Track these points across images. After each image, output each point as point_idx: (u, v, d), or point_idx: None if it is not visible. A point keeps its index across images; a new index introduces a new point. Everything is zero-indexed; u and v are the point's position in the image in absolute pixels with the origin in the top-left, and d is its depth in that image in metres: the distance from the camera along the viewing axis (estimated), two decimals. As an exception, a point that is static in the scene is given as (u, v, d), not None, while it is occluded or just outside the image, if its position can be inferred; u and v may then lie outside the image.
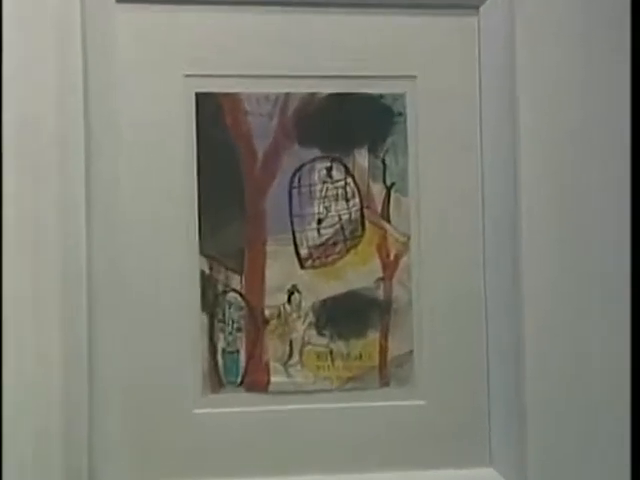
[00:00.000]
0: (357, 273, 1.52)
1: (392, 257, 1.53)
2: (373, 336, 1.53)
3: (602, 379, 1.49)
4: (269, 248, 1.51)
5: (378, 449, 1.52)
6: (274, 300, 1.51)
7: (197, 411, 1.49)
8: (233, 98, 1.51)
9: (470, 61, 1.55)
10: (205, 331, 1.50)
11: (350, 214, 1.53)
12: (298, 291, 1.51)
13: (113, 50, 1.47)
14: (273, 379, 1.51)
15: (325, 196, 1.52)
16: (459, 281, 1.54)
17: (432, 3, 1.52)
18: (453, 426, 1.54)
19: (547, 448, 1.50)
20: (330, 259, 1.52)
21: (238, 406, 1.50)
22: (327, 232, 1.52)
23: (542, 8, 1.50)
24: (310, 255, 1.52)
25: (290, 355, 1.51)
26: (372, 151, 1.53)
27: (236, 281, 1.50)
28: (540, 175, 1.51)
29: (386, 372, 1.53)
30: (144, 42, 1.48)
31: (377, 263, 1.53)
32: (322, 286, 1.52)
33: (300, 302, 1.51)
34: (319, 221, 1.52)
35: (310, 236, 1.52)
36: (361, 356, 1.52)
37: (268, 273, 1.50)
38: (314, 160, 1.52)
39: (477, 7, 1.54)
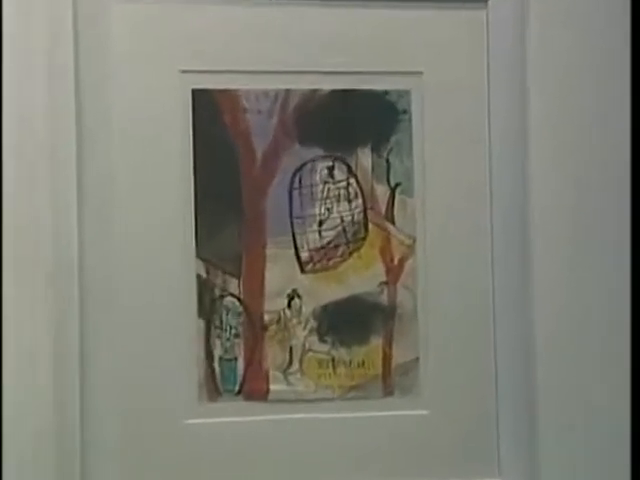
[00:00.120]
0: (360, 277, 1.51)
1: (396, 261, 1.52)
2: (376, 343, 1.51)
3: (616, 387, 1.48)
4: (268, 251, 1.49)
5: (381, 461, 1.51)
6: (273, 305, 1.49)
7: (191, 421, 1.48)
8: (231, 95, 1.49)
9: (478, 56, 1.53)
10: (201, 337, 1.48)
11: (353, 216, 1.52)
12: (298, 296, 1.50)
13: (106, 44, 1.46)
14: (272, 387, 1.50)
15: (327, 197, 1.51)
16: (466, 285, 1.52)
17: (438, -4, 1.52)
18: (460, 437, 1.52)
19: (559, 459, 1.49)
20: (332, 263, 1.51)
21: (235, 416, 1.48)
22: (329, 234, 1.51)
23: (553, 1, 1.50)
24: (311, 258, 1.50)
25: (290, 362, 1.50)
26: (376, 150, 1.52)
27: (234, 285, 1.49)
28: (551, 176, 1.50)
29: (390, 381, 1.52)
30: (138, 36, 1.47)
31: (381, 267, 1.52)
32: (323, 291, 1.50)
33: (301, 307, 1.50)
34: (320, 223, 1.51)
35: (311, 239, 1.50)
36: (364, 364, 1.51)
37: (267, 277, 1.49)
38: (315, 159, 1.51)
39: (486, 0, 1.52)
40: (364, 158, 1.51)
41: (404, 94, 1.52)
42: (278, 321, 1.50)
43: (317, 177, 1.51)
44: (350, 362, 1.51)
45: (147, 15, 1.47)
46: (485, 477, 1.52)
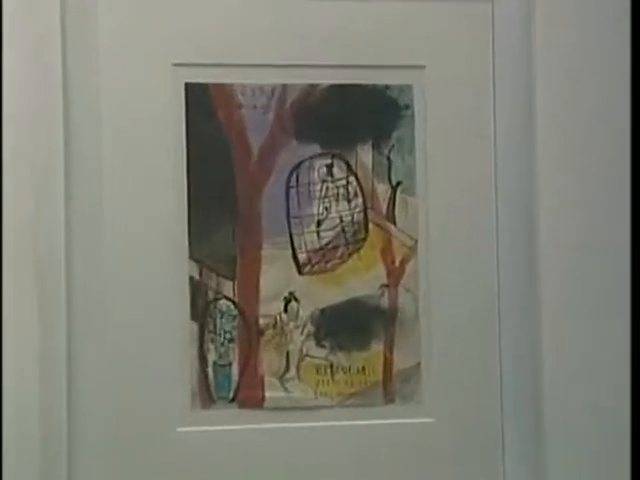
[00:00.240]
0: (360, 279, 1.50)
1: (398, 262, 1.51)
2: (377, 348, 1.51)
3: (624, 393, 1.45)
4: (264, 252, 1.49)
5: (382, 471, 1.50)
6: (269, 309, 1.49)
7: (183, 429, 1.47)
8: (226, 89, 1.48)
9: (483, 49, 1.53)
10: (194, 342, 1.48)
11: (352, 215, 1.51)
12: (296, 299, 1.49)
13: (95, 36, 1.45)
14: (268, 394, 1.49)
15: (325, 196, 1.50)
16: (470, 288, 1.52)
17: (442, -12, 1.52)
18: (463, 445, 1.52)
19: (566, 469, 1.50)
20: (330, 264, 1.50)
21: (230, 424, 1.48)
22: (327, 235, 1.50)
23: (560, -5, 1.51)
24: (309, 260, 1.50)
25: (287, 368, 1.49)
26: (376, 147, 1.51)
27: (228, 288, 1.48)
28: (559, 173, 1.51)
29: (391, 387, 1.51)
30: (129, 28, 1.46)
31: (381, 269, 1.51)
32: (322, 294, 1.50)
33: (298, 311, 1.49)
34: (319, 223, 1.50)
35: (309, 239, 1.50)
36: (364, 370, 1.50)
37: (263, 279, 1.49)
38: (313, 157, 1.50)
39: (491, -8, 1.53)
40: (364, 155, 1.51)
41: (406, 89, 1.51)
42: (274, 325, 1.49)
43: (315, 175, 1.50)
44: (349, 368, 1.50)
45: (138, 6, 1.47)
46: (490, 487, 1.52)
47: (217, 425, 1.47)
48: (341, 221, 1.50)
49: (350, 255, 1.50)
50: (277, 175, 1.49)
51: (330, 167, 1.50)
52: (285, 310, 1.49)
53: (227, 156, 1.48)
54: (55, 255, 1.43)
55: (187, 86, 1.47)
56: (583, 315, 1.50)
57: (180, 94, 1.47)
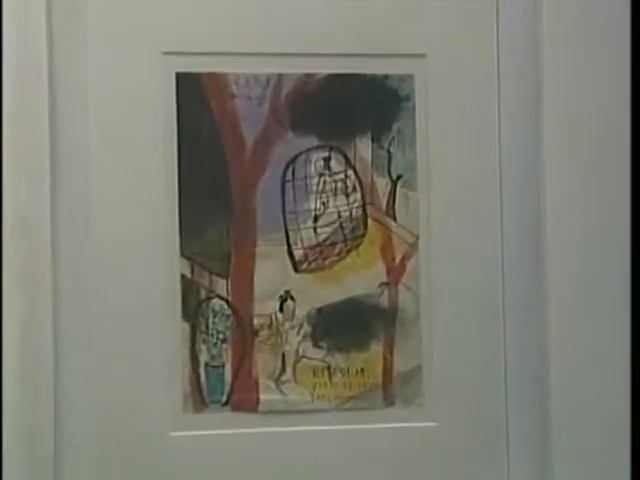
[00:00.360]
0: (358, 277, 1.50)
1: (398, 260, 1.51)
2: (376, 349, 1.50)
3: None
4: (259, 249, 1.48)
5: (382, 477, 1.49)
6: (264, 308, 1.48)
7: (175, 434, 1.46)
8: (218, 79, 1.48)
9: (488, 38, 1.52)
10: (186, 343, 1.47)
11: (351, 211, 1.50)
12: (292, 298, 1.48)
13: (82, 24, 1.44)
14: (263, 397, 1.48)
15: (322, 190, 1.49)
16: (474, 287, 1.51)
17: (445, -27, 1.51)
18: (467, 450, 1.51)
19: (573, 474, 1.49)
20: (328, 262, 1.49)
21: (223, 428, 1.47)
22: (325, 231, 1.49)
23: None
24: (305, 257, 1.49)
25: (282, 370, 1.48)
26: (376, 140, 1.50)
27: (221, 286, 1.47)
28: (566, 167, 1.50)
29: (391, 390, 1.50)
30: (117, 15, 1.45)
31: (381, 266, 1.50)
32: (319, 292, 1.49)
33: (294, 310, 1.48)
34: (315, 219, 1.49)
35: (305, 236, 1.49)
36: (363, 372, 1.50)
37: (258, 277, 1.48)
38: (310, 150, 1.49)
39: (496, -23, 1.53)
40: (363, 148, 1.50)
41: (407, 79, 1.51)
42: (269, 325, 1.48)
43: (312, 169, 1.49)
44: (348, 370, 1.50)
45: (127, -7, 1.46)
46: (493, 494, 1.52)
47: (209, 429, 1.46)
48: (339, 217, 1.49)
49: (348, 252, 1.49)
50: (272, 169, 1.48)
51: (327, 160, 1.49)
52: (281, 309, 1.48)
53: (220, 149, 1.47)
54: (41, 252, 1.42)
55: (178, 76, 1.46)
56: (590, 314, 1.50)
57: (171, 84, 1.46)
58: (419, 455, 1.49)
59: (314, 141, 1.48)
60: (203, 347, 1.46)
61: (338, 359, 1.49)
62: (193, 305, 1.46)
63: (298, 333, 1.48)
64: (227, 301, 1.47)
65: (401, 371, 1.50)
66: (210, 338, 1.46)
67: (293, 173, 1.48)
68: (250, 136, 1.47)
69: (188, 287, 1.46)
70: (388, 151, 1.50)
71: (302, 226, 1.48)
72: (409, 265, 1.50)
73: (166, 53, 1.45)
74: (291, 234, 1.48)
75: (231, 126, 1.47)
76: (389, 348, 1.50)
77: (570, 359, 1.48)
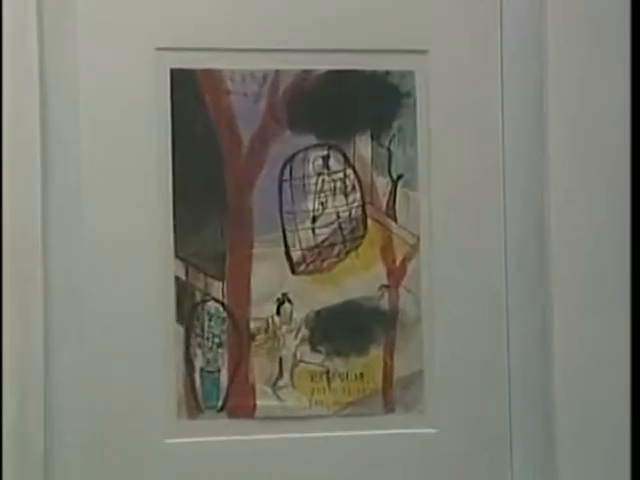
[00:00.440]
0: (358, 280, 1.49)
1: (398, 261, 1.50)
2: (376, 353, 1.50)
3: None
4: (255, 250, 1.48)
5: None
6: (261, 311, 1.48)
7: (169, 441, 1.46)
8: (214, 75, 1.47)
9: (491, 34, 1.52)
10: (180, 347, 1.46)
11: (350, 211, 1.50)
12: (289, 300, 1.48)
13: (73, 19, 1.43)
14: (260, 403, 1.48)
15: (321, 190, 1.49)
16: (477, 289, 1.51)
17: (447, -34, 1.52)
18: (469, 458, 1.51)
19: None
20: (326, 263, 1.49)
21: (219, 435, 1.47)
22: (323, 232, 1.49)
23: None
24: (303, 259, 1.49)
25: (280, 375, 1.48)
26: (376, 138, 1.50)
27: (217, 288, 1.47)
28: (570, 166, 1.50)
29: (391, 395, 1.50)
30: (108, 9, 1.45)
31: (381, 268, 1.50)
32: (317, 295, 1.49)
33: (291, 313, 1.48)
34: (314, 219, 1.49)
35: (303, 237, 1.49)
36: (362, 377, 1.50)
37: (254, 280, 1.48)
38: (308, 148, 1.49)
39: (500, -29, 1.53)
40: (363, 147, 1.50)
41: (408, 75, 1.51)
42: (266, 329, 1.48)
43: (310, 168, 1.49)
44: (347, 375, 1.49)
45: (119, -14, 1.46)
46: (497, 502, 1.52)
47: (204, 436, 1.46)
48: (338, 217, 1.49)
49: (347, 253, 1.49)
50: (269, 168, 1.48)
51: (326, 159, 1.49)
52: (278, 312, 1.48)
53: (215, 147, 1.47)
54: (31, 253, 1.41)
55: (172, 72, 1.46)
56: (595, 317, 1.49)
57: (165, 81, 1.46)
58: (420, 463, 1.49)
59: (312, 139, 1.48)
60: (198, 351, 1.46)
61: (337, 364, 1.49)
62: (188, 308, 1.46)
63: (296, 337, 1.48)
64: (223, 304, 1.46)
65: (402, 376, 1.50)
66: (205, 342, 1.46)
67: (291, 172, 1.48)
68: (246, 134, 1.47)
69: (182, 289, 1.46)
70: (388, 149, 1.50)
71: (300, 227, 1.48)
72: (410, 267, 1.50)
73: (160, 49, 1.45)
74: (289, 235, 1.48)
75: (227, 124, 1.46)
76: (389, 352, 1.49)
77: (575, 363, 1.48)
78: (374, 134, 1.49)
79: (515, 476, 1.50)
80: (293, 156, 1.48)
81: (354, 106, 1.49)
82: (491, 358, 1.50)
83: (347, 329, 1.49)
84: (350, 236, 1.49)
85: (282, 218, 1.47)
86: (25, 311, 1.40)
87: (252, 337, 1.47)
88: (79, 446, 1.42)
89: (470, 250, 1.50)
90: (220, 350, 1.46)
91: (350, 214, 1.49)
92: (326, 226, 1.48)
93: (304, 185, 1.48)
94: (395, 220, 1.50)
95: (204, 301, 1.46)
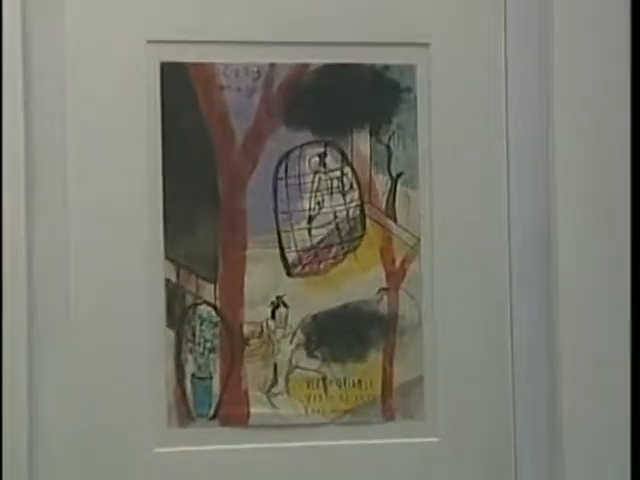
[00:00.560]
0: (356, 282, 1.48)
1: (398, 263, 1.49)
2: (375, 359, 1.49)
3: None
4: (249, 252, 1.47)
5: None
6: (255, 315, 1.47)
7: (159, 450, 1.45)
8: (206, 69, 1.46)
9: (494, 27, 1.51)
10: (170, 352, 1.46)
11: (348, 211, 1.49)
12: (284, 304, 1.47)
13: (60, 12, 1.42)
14: (253, 411, 1.47)
15: (317, 189, 1.48)
16: (479, 292, 1.50)
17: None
18: (471, 467, 1.50)
19: None
20: (323, 265, 1.48)
21: (210, 443, 1.46)
22: (320, 233, 1.48)
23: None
24: (299, 260, 1.48)
25: (274, 382, 1.47)
26: (375, 134, 1.49)
27: (209, 291, 1.46)
28: (577, 164, 1.49)
29: (391, 403, 1.49)
30: (98, 1, 1.43)
31: (380, 270, 1.49)
32: (313, 298, 1.48)
33: (286, 317, 1.47)
34: (310, 219, 1.48)
35: (299, 237, 1.48)
36: (360, 383, 1.49)
37: (248, 282, 1.47)
38: (304, 145, 1.48)
39: (504, -37, 1.54)
40: (361, 144, 1.49)
41: (408, 69, 1.50)
42: (260, 333, 1.47)
43: (306, 166, 1.48)
44: (344, 381, 1.49)
45: (108, -23, 1.44)
46: (502, 513, 1.53)
47: (196, 445, 1.45)
48: (335, 217, 1.48)
49: (345, 255, 1.49)
50: (263, 165, 1.47)
51: (323, 157, 1.48)
52: (272, 316, 1.47)
53: (207, 144, 1.46)
54: (16, 254, 1.39)
55: (163, 66, 1.45)
56: (602, 321, 1.48)
57: (155, 75, 1.45)
58: (420, 472, 1.49)
59: (308, 136, 1.48)
60: (189, 357, 1.45)
61: (334, 370, 1.48)
62: (178, 312, 1.45)
63: (291, 342, 1.47)
64: (215, 307, 1.46)
65: (401, 383, 1.49)
66: (197, 347, 1.45)
67: (286, 170, 1.47)
68: (240, 130, 1.46)
69: (173, 292, 1.45)
70: (388, 147, 1.49)
71: (295, 227, 1.47)
72: (410, 269, 1.49)
73: (150, 41, 1.44)
74: (284, 236, 1.47)
75: (219, 120, 1.46)
76: (388, 358, 1.49)
77: (581, 367, 1.47)
78: (373, 131, 1.49)
79: (520, 486, 1.48)
80: (288, 153, 1.47)
81: (352, 101, 1.48)
82: (494, 364, 1.49)
83: (344, 334, 1.48)
84: (348, 237, 1.48)
85: (277, 218, 1.46)
86: (9, 316, 1.38)
87: (246, 342, 1.46)
88: (66, 456, 1.41)
89: (472, 252, 1.50)
90: (212, 355, 1.45)
91: (348, 214, 1.48)
92: (323, 226, 1.48)
93: (300, 184, 1.47)
94: (395, 220, 1.49)
95: (195, 304, 1.45)
